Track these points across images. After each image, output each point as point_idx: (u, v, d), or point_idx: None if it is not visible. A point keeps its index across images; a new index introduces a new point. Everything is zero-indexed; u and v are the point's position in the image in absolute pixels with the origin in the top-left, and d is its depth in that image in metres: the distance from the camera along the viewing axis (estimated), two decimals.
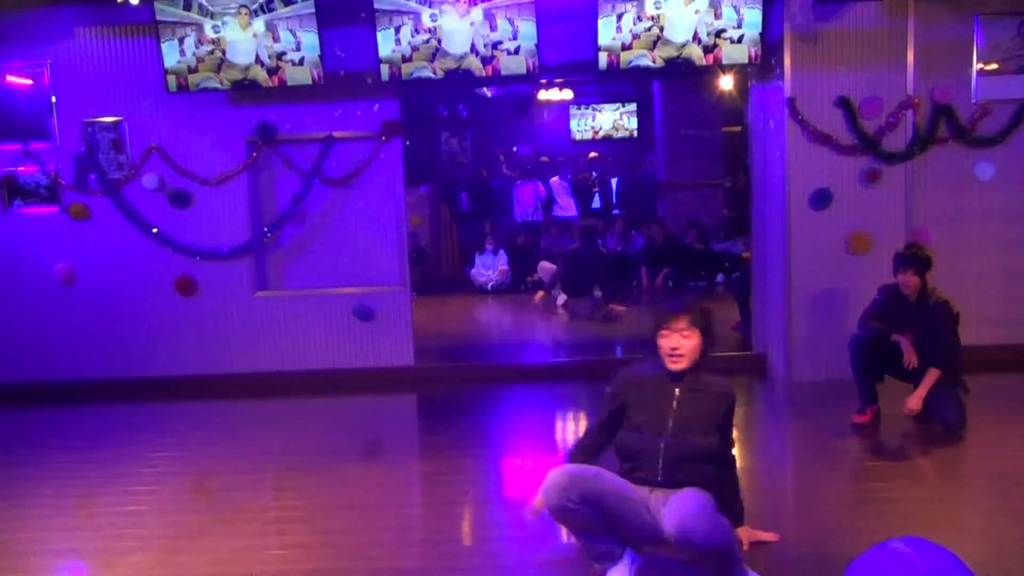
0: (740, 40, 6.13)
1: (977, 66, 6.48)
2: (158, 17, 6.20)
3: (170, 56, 6.29)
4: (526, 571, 3.70)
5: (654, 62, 6.18)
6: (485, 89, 13.13)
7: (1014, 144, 6.52)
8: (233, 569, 3.79)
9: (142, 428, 6.06)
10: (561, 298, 9.49)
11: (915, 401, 5.10)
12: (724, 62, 6.25)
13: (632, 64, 6.20)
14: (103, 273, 6.88)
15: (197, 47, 6.27)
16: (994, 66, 6.48)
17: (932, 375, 5.11)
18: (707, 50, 6.15)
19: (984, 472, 4.60)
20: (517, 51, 6.20)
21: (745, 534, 3.72)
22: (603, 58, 6.17)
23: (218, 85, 6.37)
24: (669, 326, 3.55)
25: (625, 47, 6.15)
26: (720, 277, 10.76)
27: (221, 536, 4.13)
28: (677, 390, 3.56)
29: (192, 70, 6.32)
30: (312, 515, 4.37)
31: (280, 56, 6.27)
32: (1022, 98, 6.49)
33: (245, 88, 6.41)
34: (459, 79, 6.40)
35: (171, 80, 6.35)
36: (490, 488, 4.77)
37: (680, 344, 3.52)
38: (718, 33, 6.11)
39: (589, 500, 3.29)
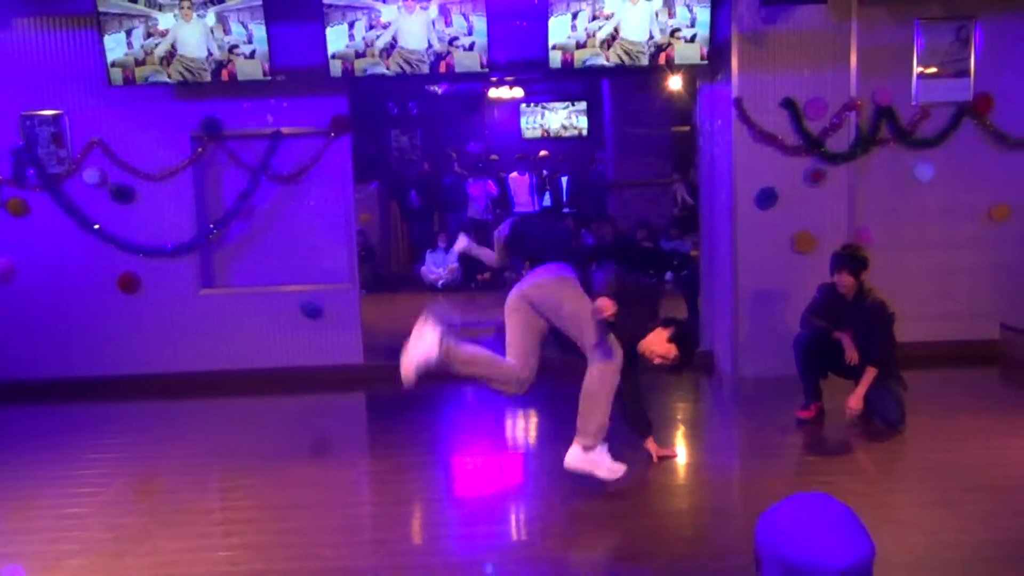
0: (693, 39, 6.18)
1: (917, 70, 6.64)
2: (101, 8, 6.06)
3: (116, 49, 6.15)
4: (477, 569, 3.70)
5: (608, 60, 6.22)
6: (435, 87, 13.08)
7: (952, 146, 6.70)
8: (178, 571, 3.73)
9: (82, 429, 5.92)
10: (461, 242, 7.16)
11: (856, 400, 5.19)
12: (677, 61, 6.32)
13: (587, 63, 6.23)
14: (42, 270, 6.70)
15: (145, 39, 6.14)
16: (933, 70, 6.64)
17: (870, 374, 5.21)
18: (660, 49, 6.20)
19: (923, 466, 4.71)
20: (472, 47, 6.19)
21: (653, 447, 4.58)
22: (556, 56, 6.19)
23: (167, 79, 6.25)
24: None
25: (580, 45, 6.18)
26: (669, 275, 10.86)
27: (165, 538, 4.06)
28: None
29: (139, 63, 6.19)
30: (260, 515, 4.32)
31: (232, 49, 6.17)
32: (960, 101, 6.67)
33: (191, 87, 6.30)
34: (414, 76, 6.37)
35: (116, 73, 6.21)
36: (440, 486, 4.76)
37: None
38: (672, 32, 6.16)
39: None
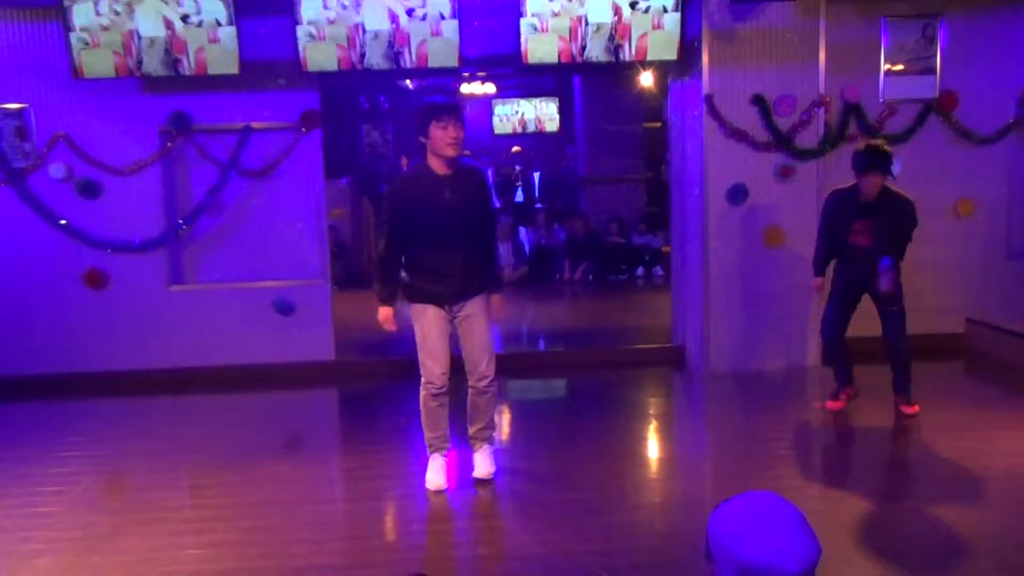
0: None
1: (884, 67, 6.72)
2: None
3: (77, 40, 6.06)
4: (450, 565, 3.71)
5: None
6: (407, 81, 13.03)
7: (919, 142, 6.80)
8: (149, 570, 3.69)
9: (50, 427, 5.84)
10: None
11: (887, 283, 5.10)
12: (650, 57, 6.33)
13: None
14: (6, 265, 6.59)
15: (100, 20, 6.03)
16: (900, 67, 6.73)
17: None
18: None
19: (889, 460, 4.78)
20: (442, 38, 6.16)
21: (499, 302, 4.47)
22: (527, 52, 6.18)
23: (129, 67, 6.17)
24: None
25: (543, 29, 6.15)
26: (640, 270, 10.94)
27: (136, 536, 4.01)
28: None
29: (94, 43, 6.08)
30: (230, 513, 4.29)
31: (184, 19, 6.06)
32: (926, 98, 6.77)
33: (158, 80, 6.24)
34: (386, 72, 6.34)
35: (76, 58, 6.10)
36: (413, 483, 4.74)
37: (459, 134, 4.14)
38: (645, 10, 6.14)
39: None
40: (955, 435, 5.05)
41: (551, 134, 14.84)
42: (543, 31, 6.15)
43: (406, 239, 4.25)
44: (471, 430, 4.60)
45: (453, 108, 4.19)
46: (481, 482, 4.51)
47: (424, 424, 4.51)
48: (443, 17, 6.12)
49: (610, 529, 3.99)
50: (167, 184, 6.69)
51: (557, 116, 14.65)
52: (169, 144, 6.62)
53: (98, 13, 6.03)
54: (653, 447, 5.24)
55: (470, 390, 4.53)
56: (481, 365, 4.43)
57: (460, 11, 6.13)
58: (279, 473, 4.81)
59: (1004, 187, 6.99)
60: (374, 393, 6.61)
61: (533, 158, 13.90)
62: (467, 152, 13.40)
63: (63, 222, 6.57)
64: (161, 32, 6.10)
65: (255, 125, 6.65)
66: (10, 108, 6.46)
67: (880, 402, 5.44)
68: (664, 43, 6.20)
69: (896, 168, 6.80)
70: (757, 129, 6.50)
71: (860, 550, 3.67)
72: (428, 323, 4.34)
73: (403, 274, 4.40)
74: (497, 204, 12.56)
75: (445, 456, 4.55)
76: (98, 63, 6.14)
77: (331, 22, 6.11)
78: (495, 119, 14.96)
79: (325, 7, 6.08)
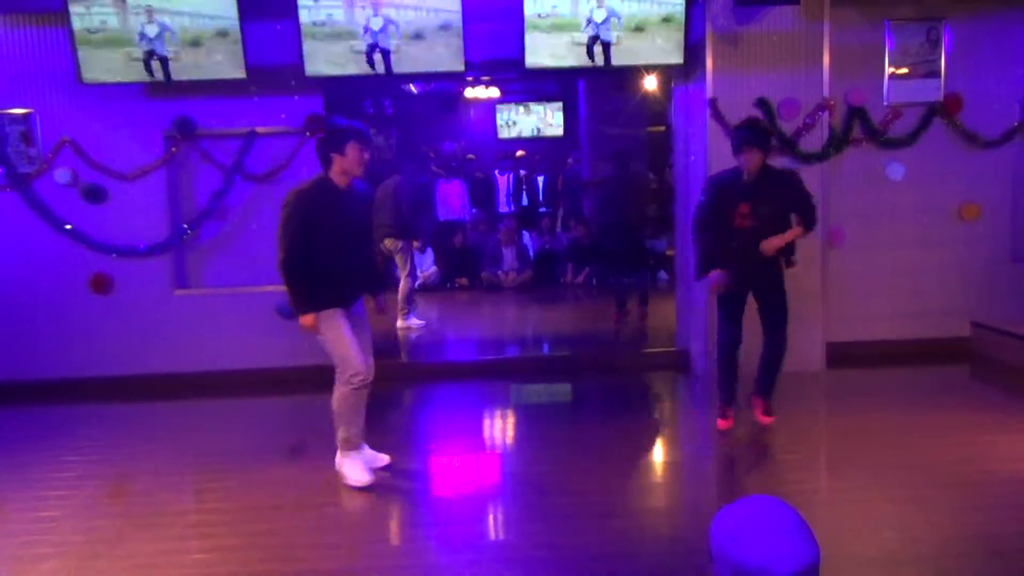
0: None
1: (888, 70, 6.72)
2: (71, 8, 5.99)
3: (82, 45, 6.08)
4: (454, 570, 3.70)
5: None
6: (411, 85, 13.05)
7: (922, 146, 6.79)
8: (153, 574, 3.70)
9: (55, 431, 5.85)
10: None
11: (771, 245, 4.97)
12: (653, 62, 6.33)
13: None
14: (11, 271, 6.62)
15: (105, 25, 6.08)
16: (904, 70, 6.73)
17: (797, 230, 5.04)
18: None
19: (895, 462, 4.76)
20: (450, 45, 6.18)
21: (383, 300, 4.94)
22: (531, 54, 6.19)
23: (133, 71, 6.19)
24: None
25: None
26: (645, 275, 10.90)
27: (140, 541, 4.02)
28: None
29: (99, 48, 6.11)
30: (235, 517, 4.29)
31: (190, 22, 6.08)
32: (930, 101, 6.77)
33: (163, 86, 6.26)
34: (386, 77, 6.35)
35: (82, 64, 6.13)
36: (418, 487, 4.75)
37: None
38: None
39: None
40: (961, 438, 5.03)
41: (555, 138, 14.84)
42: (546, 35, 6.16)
43: (310, 248, 4.44)
44: (353, 431, 4.76)
45: (368, 134, 4.63)
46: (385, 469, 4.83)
47: (345, 421, 4.65)
48: (448, 22, 6.13)
49: (615, 533, 3.98)
50: (172, 189, 6.71)
51: (561, 120, 14.65)
52: (174, 149, 6.64)
53: (103, 18, 6.05)
54: (658, 451, 5.23)
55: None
56: (370, 360, 4.72)
57: (465, 15, 6.14)
58: (283, 477, 4.81)
59: (1009, 190, 6.98)
60: (377, 397, 6.59)
61: (537, 162, 13.88)
62: (472, 156, 13.45)
63: (68, 227, 6.59)
64: (166, 36, 6.12)
65: (259, 130, 6.66)
66: (15, 113, 6.48)
67: (891, 404, 5.42)
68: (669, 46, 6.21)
69: (899, 172, 6.83)
70: None
71: (865, 553, 3.66)
72: (340, 322, 4.55)
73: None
74: (511, 208, 12.61)
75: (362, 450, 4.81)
76: (103, 68, 6.16)
77: (335, 26, 6.11)
78: (499, 122, 14.95)
79: (329, 11, 6.09)
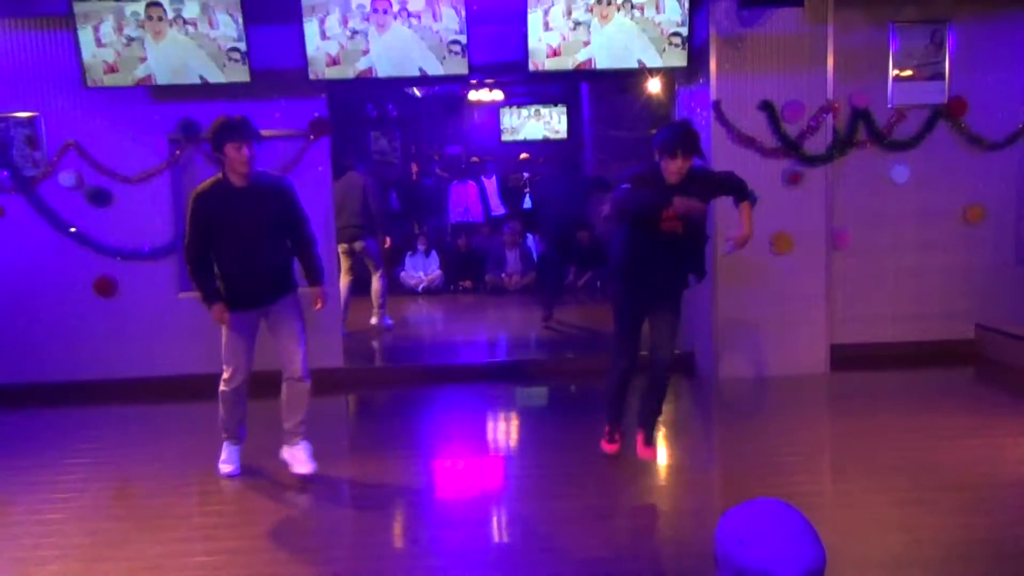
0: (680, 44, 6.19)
1: (893, 72, 6.71)
2: (76, 10, 6.00)
3: (87, 48, 6.09)
4: (459, 572, 3.70)
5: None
6: (415, 88, 13.05)
7: (927, 148, 6.78)
8: None
9: (59, 433, 5.85)
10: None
11: (743, 234, 4.58)
12: (661, 65, 6.33)
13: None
14: (16, 274, 6.62)
15: (117, 36, 6.10)
16: (908, 72, 6.72)
17: (747, 208, 4.62)
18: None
19: (901, 465, 4.75)
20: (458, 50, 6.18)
21: (317, 294, 4.98)
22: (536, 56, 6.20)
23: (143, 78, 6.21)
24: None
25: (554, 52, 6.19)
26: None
27: (144, 543, 4.02)
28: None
29: (112, 69, 6.15)
30: (238, 520, 4.30)
31: (194, 27, 6.11)
32: (935, 103, 6.75)
33: (167, 88, 6.27)
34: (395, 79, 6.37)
35: (90, 71, 6.15)
36: (422, 489, 4.75)
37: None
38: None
39: None
40: (965, 441, 5.02)
41: (559, 141, 14.85)
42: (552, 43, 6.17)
43: (207, 249, 4.53)
44: (287, 425, 4.87)
45: (245, 128, 4.49)
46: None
47: (221, 412, 4.87)
48: (452, 26, 6.14)
49: (619, 536, 3.98)
50: (176, 192, 6.72)
51: (565, 123, 14.66)
52: (178, 152, 6.65)
53: (108, 22, 6.07)
54: (662, 454, 5.22)
55: (285, 383, 4.87)
56: (296, 357, 4.79)
57: (469, 18, 6.14)
58: (287, 480, 4.81)
59: (1013, 193, 6.97)
60: (382, 400, 6.62)
61: (541, 165, 13.88)
62: (476, 159, 13.46)
63: (73, 230, 6.60)
64: (170, 40, 6.13)
65: (263, 133, 6.64)
66: (21, 117, 6.50)
67: (895, 406, 5.41)
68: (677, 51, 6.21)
69: (903, 175, 6.82)
70: (765, 135, 6.49)
71: (869, 555, 3.65)
72: (232, 324, 4.70)
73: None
74: (504, 211, 12.58)
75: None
76: (108, 71, 6.17)
77: (339, 29, 6.13)
78: (503, 125, 14.96)
79: (332, 15, 6.10)
